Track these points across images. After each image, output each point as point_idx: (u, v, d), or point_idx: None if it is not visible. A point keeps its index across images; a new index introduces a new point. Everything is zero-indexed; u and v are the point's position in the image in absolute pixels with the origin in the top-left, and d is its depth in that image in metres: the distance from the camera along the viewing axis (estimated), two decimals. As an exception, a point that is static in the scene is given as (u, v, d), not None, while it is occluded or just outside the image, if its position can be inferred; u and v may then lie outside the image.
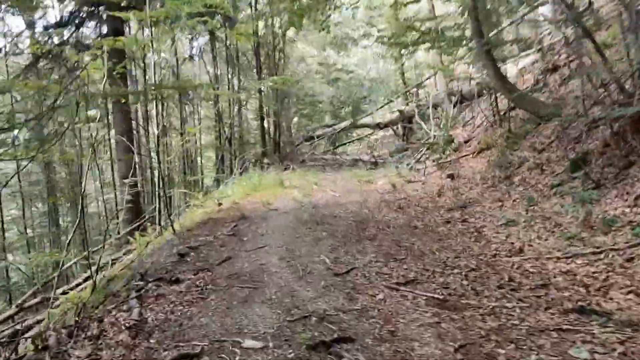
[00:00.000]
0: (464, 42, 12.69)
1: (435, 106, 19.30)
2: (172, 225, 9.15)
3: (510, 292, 4.82)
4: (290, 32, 28.52)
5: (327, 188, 13.20)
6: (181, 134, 24.68)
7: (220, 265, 6.29)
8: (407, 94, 22.75)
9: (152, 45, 9.87)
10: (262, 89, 20.08)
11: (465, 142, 14.71)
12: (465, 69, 17.30)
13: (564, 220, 6.80)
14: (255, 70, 23.81)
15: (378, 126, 22.61)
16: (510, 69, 16.61)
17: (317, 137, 27.01)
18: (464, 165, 12.91)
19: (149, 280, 6.11)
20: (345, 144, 26.44)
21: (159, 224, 9.92)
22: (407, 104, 23.28)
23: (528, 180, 9.22)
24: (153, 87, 9.92)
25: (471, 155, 13.22)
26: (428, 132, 18.24)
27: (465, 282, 5.17)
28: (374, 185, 13.92)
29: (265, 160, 16.32)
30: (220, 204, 10.88)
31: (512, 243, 6.64)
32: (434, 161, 15.38)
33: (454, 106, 18.42)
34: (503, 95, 12.13)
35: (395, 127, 22.82)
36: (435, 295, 4.78)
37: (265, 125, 28.97)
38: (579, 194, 7.13)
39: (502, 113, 13.90)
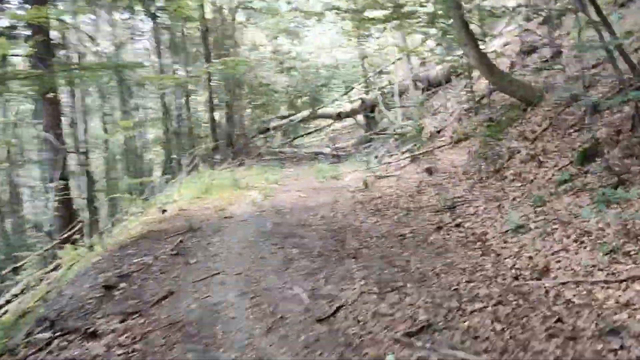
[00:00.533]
0: (438, 19, 11.34)
1: (400, 94, 17.98)
2: (102, 242, 7.42)
3: (568, 343, 3.43)
4: (241, 16, 26.66)
5: (290, 187, 11.66)
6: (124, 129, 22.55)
7: (158, 305, 4.67)
8: (368, 81, 21.34)
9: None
10: (211, 75, 18.22)
11: (438, 131, 13.43)
12: (431, 53, 16.04)
13: (591, 227, 5.49)
14: (204, 58, 21.90)
15: (339, 116, 21.17)
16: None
17: (273, 129, 25.34)
18: (440, 157, 11.60)
19: (58, 331, 4.43)
20: (302, 135, 24.86)
21: (90, 237, 8.15)
22: (368, 93, 21.90)
23: (524, 175, 7.94)
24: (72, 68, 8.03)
25: (447, 147, 11.92)
26: (394, 122, 16.91)
27: (498, 327, 3.75)
28: (342, 181, 12.48)
29: (217, 157, 14.57)
30: (164, 211, 9.17)
31: (531, 258, 5.29)
32: (404, 153, 14.06)
33: (422, 93, 17.15)
34: (485, 77, 10.85)
35: (356, 117, 21.41)
36: (469, 358, 3.32)
37: (217, 117, 27.13)
38: (600, 193, 5.85)
39: (478, 99, 12.66)
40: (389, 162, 13.01)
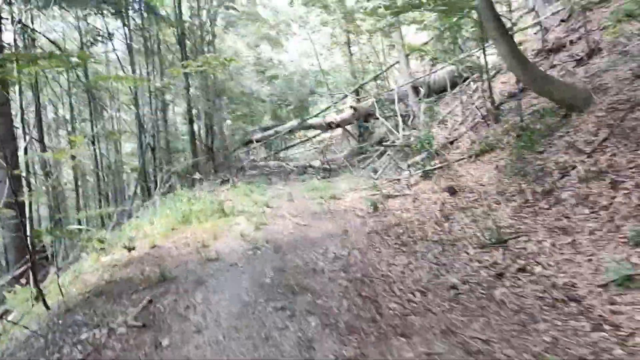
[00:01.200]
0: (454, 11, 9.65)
1: (397, 101, 16.27)
2: (43, 300, 5.48)
3: None
4: (220, 20, 24.79)
5: (284, 211, 9.78)
6: (92, 142, 20.42)
7: None
8: (360, 88, 19.60)
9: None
10: (189, 83, 16.27)
11: (450, 142, 11.70)
12: (438, 52, 14.37)
13: None
14: (181, 64, 19.97)
15: (329, 126, 19.40)
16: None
17: (257, 141, 23.46)
18: (460, 173, 9.85)
19: None
20: (288, 148, 22.97)
21: (35, 284, 6.16)
22: (359, 100, 20.18)
23: (594, 199, 6.20)
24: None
25: (466, 160, 10.18)
26: (393, 132, 15.16)
27: None
28: (344, 202, 10.65)
29: (197, 176, 12.62)
30: (131, 249, 7.19)
31: (672, 332, 3.52)
32: (411, 167, 12.31)
33: (422, 99, 15.46)
34: (517, 76, 9.11)
35: (348, 127, 19.65)
36: None
37: (196, 128, 25.20)
38: None
39: (497, 104, 10.98)
40: (397, 179, 11.20)
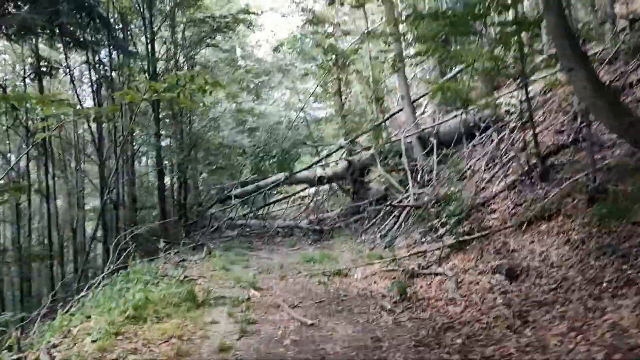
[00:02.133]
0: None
1: (399, 154, 14.08)
2: None
3: None
4: (198, 67, 22.65)
5: (277, 297, 7.18)
6: (46, 198, 17.58)
7: None
8: (352, 142, 17.36)
9: None
10: (160, 131, 13.82)
11: (482, 204, 9.40)
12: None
13: None
14: (152, 116, 17.60)
15: (319, 181, 17.03)
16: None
17: (236, 197, 20.89)
18: (510, 246, 7.45)
19: None
20: (269, 204, 20.35)
21: None
22: (351, 153, 17.98)
23: None
24: None
25: (514, 229, 7.81)
26: (399, 189, 12.84)
27: None
28: (356, 282, 8.12)
29: (162, 245, 9.88)
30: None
31: None
32: (429, 233, 9.93)
33: (429, 152, 13.27)
34: (602, 119, 6.84)
35: (341, 182, 17.30)
36: None
37: (168, 182, 22.63)
38: None
39: (542, 155, 8.75)
40: (422, 251, 8.72)
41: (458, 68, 15.83)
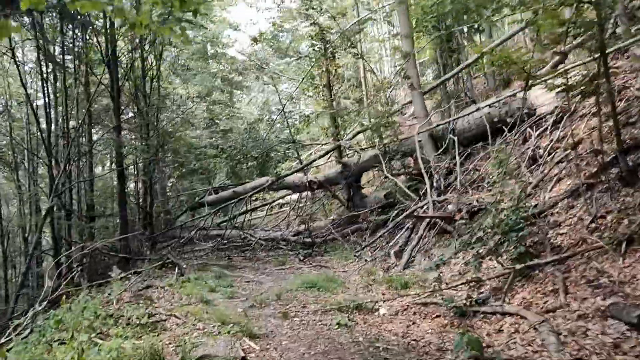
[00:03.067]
0: None
1: (405, 154, 11.93)
2: None
3: None
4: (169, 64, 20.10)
5: (285, 352, 4.86)
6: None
7: None
8: (343, 147, 15.08)
9: None
10: (120, 123, 11.35)
11: (538, 214, 7.28)
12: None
13: None
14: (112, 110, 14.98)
15: (309, 187, 14.74)
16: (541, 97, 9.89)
17: (209, 205, 18.41)
18: (609, 274, 5.34)
19: None
20: (247, 212, 17.86)
21: None
22: (342, 154, 15.77)
23: None
24: None
25: (608, 250, 5.71)
26: (411, 196, 10.66)
27: None
28: (385, 323, 5.86)
29: (115, 273, 7.37)
30: None
31: None
32: (463, 250, 7.79)
33: (456, 151, 11.17)
34: None
35: (333, 188, 15.03)
36: None
37: (131, 186, 20.08)
38: None
39: (621, 153, 6.67)
40: (476, 279, 6.48)
41: (469, 60, 13.94)
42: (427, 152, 11.53)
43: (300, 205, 19.64)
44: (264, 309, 6.70)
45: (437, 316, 5.91)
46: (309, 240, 13.18)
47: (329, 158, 17.99)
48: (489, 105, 10.70)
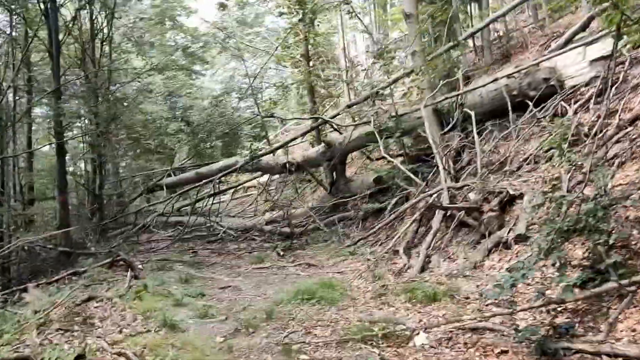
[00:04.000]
0: None
1: (404, 132, 10.10)
2: None
3: None
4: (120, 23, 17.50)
5: None
6: None
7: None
8: (329, 123, 13.13)
9: None
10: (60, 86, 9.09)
11: (606, 208, 5.66)
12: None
13: None
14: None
15: (285, 169, 12.74)
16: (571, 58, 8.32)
17: (168, 187, 16.20)
18: None
19: None
20: (214, 195, 15.64)
21: None
22: (319, 131, 13.86)
23: None
24: None
25: None
26: (417, 182, 8.88)
27: None
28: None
29: (32, 293, 5.26)
30: None
31: None
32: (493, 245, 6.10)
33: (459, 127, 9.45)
34: None
35: (313, 170, 13.11)
36: None
37: (80, 166, 17.70)
38: None
39: None
40: (553, 305, 4.73)
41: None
42: (430, 131, 9.73)
43: (270, 189, 17.70)
44: (254, 337, 4.77)
45: (503, 352, 4.15)
46: (287, 230, 11.27)
47: (303, 139, 16.02)
48: (507, 76, 9.00)
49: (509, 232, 6.45)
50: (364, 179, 11.81)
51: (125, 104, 17.08)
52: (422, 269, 6.83)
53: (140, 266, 7.69)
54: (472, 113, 8.74)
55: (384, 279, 6.82)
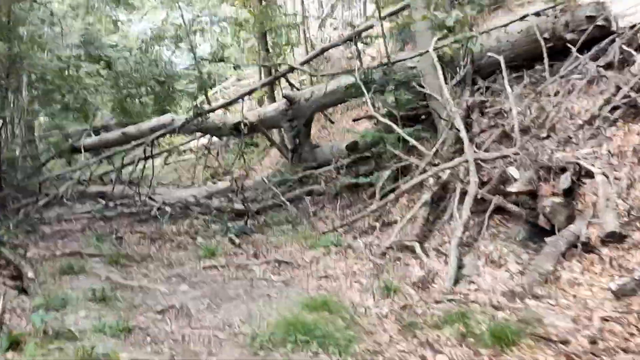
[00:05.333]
0: None
1: (399, 84, 7.75)
2: None
3: None
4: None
5: None
6: None
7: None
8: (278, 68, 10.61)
9: None
10: None
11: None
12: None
13: None
14: None
15: (236, 130, 10.04)
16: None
17: (87, 150, 13.02)
18: None
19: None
20: (145, 159, 12.65)
21: None
22: (273, 88, 11.29)
23: None
24: None
25: None
26: (418, 147, 6.62)
27: None
28: None
29: None
30: None
31: None
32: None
33: (456, 84, 7.24)
34: None
35: (270, 132, 10.56)
36: None
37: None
38: None
39: None
40: None
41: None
42: (430, 85, 7.48)
43: (212, 153, 14.89)
44: None
45: None
46: (240, 207, 8.77)
47: (250, 97, 13.28)
48: (538, 14, 6.85)
49: (588, 227, 4.38)
50: (336, 145, 9.46)
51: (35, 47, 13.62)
52: (457, 279, 4.65)
53: (30, 275, 4.97)
54: (501, 58, 6.51)
55: (401, 294, 4.61)
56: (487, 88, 7.31)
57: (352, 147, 8.91)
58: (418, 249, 5.24)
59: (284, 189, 9.23)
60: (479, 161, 5.66)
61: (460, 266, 4.79)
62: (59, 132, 14.24)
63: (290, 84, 10.87)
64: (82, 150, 12.95)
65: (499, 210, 5.27)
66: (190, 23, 13.32)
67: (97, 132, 14.54)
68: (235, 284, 5.32)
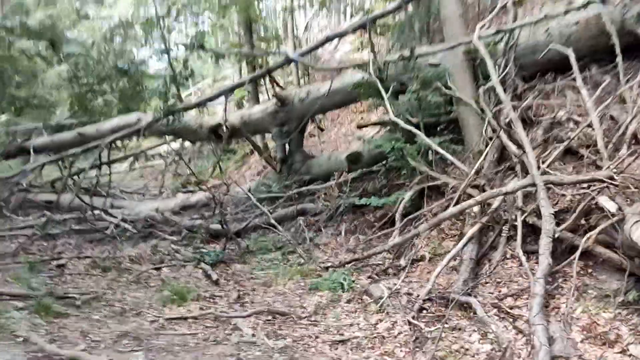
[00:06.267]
0: None
1: (425, 85, 6.21)
2: None
3: None
4: None
5: None
6: None
7: None
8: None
9: None
10: None
11: None
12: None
13: None
14: None
15: (215, 134, 8.28)
16: None
17: (37, 152, 11.01)
18: None
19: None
20: (101, 165, 10.65)
21: None
22: (258, 85, 9.61)
23: None
24: None
25: None
26: (456, 163, 5.08)
27: None
28: None
29: None
30: None
31: None
32: None
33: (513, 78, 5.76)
34: None
35: (254, 138, 8.87)
36: None
37: None
38: None
39: None
40: None
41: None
42: (457, 84, 5.97)
43: (184, 159, 13.03)
44: None
45: None
46: (217, 226, 7.05)
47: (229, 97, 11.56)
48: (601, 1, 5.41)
49: None
50: (335, 155, 7.85)
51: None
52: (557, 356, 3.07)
53: None
54: (570, 51, 5.03)
55: None
56: (526, 90, 5.86)
57: (354, 159, 7.35)
58: (479, 309, 3.63)
59: (268, 206, 7.57)
60: (551, 185, 4.13)
61: (552, 338, 3.22)
62: (4, 129, 12.17)
63: (277, 84, 9.26)
64: (32, 151, 10.99)
65: (590, 254, 3.75)
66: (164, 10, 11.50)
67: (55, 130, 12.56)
68: (214, 354, 3.62)
